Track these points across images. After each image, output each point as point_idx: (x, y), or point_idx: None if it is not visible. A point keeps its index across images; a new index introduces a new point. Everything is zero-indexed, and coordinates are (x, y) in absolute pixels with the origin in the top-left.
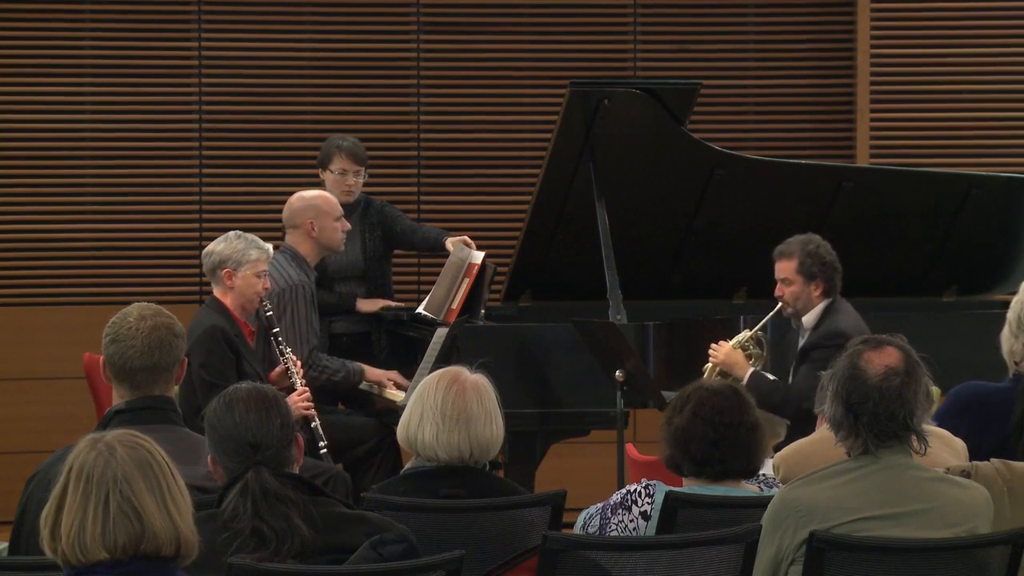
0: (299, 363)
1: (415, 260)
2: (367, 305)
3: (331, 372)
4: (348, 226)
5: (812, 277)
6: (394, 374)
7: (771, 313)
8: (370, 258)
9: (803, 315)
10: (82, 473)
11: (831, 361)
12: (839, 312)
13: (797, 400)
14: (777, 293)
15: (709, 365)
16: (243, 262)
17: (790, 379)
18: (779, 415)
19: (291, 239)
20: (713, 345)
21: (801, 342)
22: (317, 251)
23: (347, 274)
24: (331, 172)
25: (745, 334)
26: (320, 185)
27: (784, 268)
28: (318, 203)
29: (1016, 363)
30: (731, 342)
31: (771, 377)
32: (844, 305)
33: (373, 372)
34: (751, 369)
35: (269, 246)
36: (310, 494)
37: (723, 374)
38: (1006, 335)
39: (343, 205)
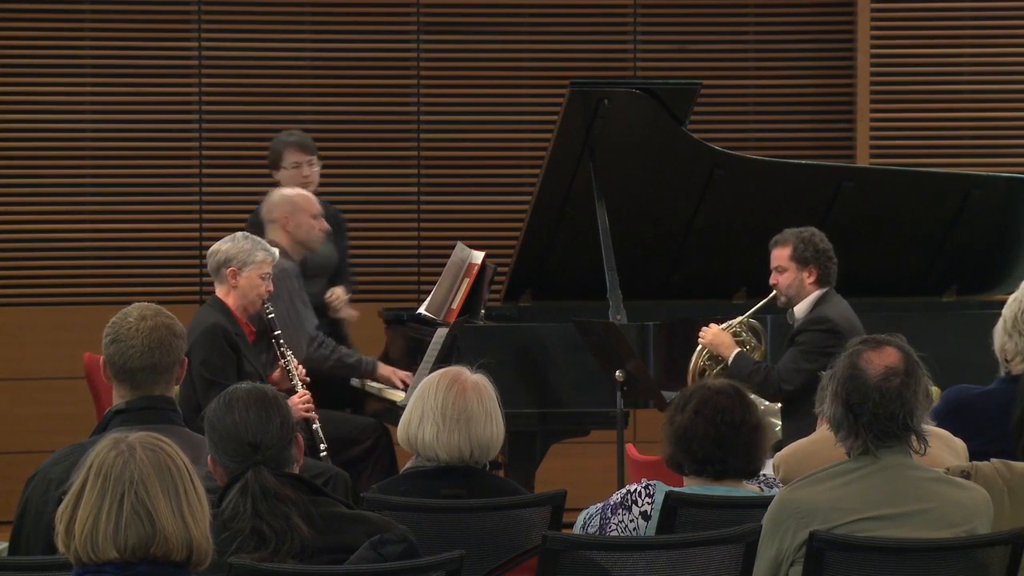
0: (299, 366)
1: (415, 260)
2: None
3: (343, 353)
4: (326, 226)
5: (805, 263)
6: (406, 374)
7: (764, 300)
8: (343, 255)
9: (795, 304)
10: (100, 471)
11: (815, 344)
12: (828, 302)
13: (777, 381)
14: (772, 281)
15: (698, 348)
16: (248, 262)
17: None
18: (760, 395)
19: (269, 234)
20: (703, 328)
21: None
22: (293, 247)
23: (322, 272)
24: (285, 169)
25: (737, 319)
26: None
27: (778, 255)
28: (294, 198)
29: (1007, 360)
30: (721, 326)
31: (756, 358)
32: (836, 297)
33: (385, 368)
34: (736, 350)
35: (276, 250)
36: (310, 494)
37: (712, 357)
38: (999, 331)
39: None
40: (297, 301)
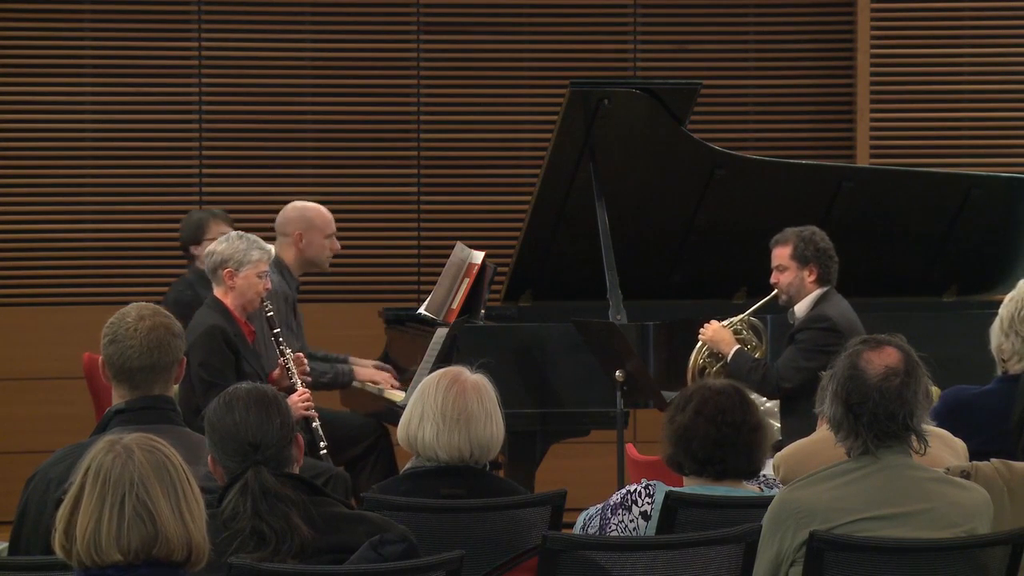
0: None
1: (415, 260)
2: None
3: (317, 375)
4: (338, 246)
5: (806, 262)
6: (387, 375)
7: (766, 298)
8: None
9: (796, 303)
10: (99, 474)
11: (815, 343)
12: (829, 301)
13: (776, 379)
14: (772, 280)
15: (698, 344)
16: (244, 262)
17: None
18: (759, 393)
19: (277, 247)
20: (704, 324)
21: None
22: (301, 263)
23: None
24: (211, 240)
25: (738, 317)
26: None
27: (779, 254)
28: (310, 216)
29: (1004, 360)
30: (722, 323)
31: (756, 356)
32: (837, 296)
33: (363, 371)
34: (736, 346)
35: (271, 247)
36: (310, 494)
37: (711, 354)
38: (996, 331)
39: None
40: (281, 325)
